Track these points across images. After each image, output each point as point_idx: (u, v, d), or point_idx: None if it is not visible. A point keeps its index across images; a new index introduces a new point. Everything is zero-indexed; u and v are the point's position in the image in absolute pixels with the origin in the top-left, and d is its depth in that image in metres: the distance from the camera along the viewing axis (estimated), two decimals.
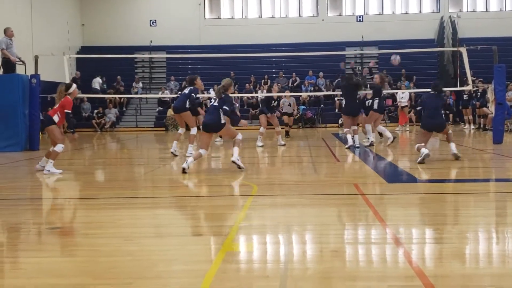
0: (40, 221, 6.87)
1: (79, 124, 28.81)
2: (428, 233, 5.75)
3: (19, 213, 7.20)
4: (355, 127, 15.27)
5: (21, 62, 17.06)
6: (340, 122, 21.67)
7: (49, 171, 10.89)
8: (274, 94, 17.75)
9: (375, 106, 15.61)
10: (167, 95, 28.89)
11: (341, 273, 4.40)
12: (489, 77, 22.10)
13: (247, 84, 30.11)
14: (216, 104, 10.75)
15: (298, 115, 27.73)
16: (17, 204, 7.90)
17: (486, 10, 33.43)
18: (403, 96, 26.97)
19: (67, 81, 18.09)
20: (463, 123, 25.41)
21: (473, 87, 20.04)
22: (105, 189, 9.57)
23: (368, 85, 16.74)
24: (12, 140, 16.09)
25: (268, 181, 9.96)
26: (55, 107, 11.18)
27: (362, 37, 32.05)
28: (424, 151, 11.14)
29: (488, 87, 21.51)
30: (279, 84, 24.32)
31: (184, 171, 10.32)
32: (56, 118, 11.02)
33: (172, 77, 31.33)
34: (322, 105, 29.36)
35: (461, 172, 10.93)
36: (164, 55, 31.86)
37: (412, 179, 9.72)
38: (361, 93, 15.78)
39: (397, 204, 7.51)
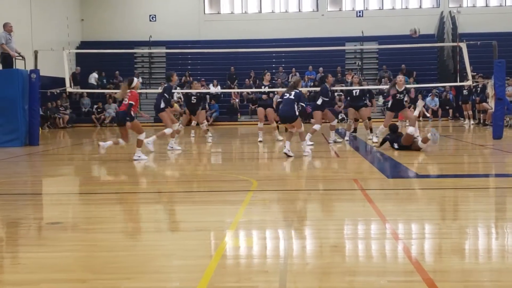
0: (40, 216, 6.88)
1: (78, 120, 28.85)
2: (427, 228, 5.76)
3: (19, 208, 7.21)
4: (334, 123, 15.49)
5: (20, 57, 17.03)
6: (340, 117, 21.64)
7: (139, 157, 12.17)
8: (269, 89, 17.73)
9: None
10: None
11: (341, 268, 4.41)
12: (489, 72, 22.07)
13: (246, 80, 30.07)
14: (292, 97, 11.93)
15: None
16: (17, 199, 7.90)
17: (486, 5, 33.37)
18: None
19: (67, 76, 18.14)
20: (462, 119, 25.40)
21: (473, 83, 20.01)
22: (105, 184, 9.59)
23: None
24: (12, 135, 16.08)
25: (267, 176, 9.96)
26: (125, 102, 12.06)
27: (362, 32, 31.97)
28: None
29: (488, 82, 21.49)
30: (279, 80, 24.35)
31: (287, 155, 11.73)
32: (132, 113, 12.09)
33: (172, 72, 31.26)
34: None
35: (461, 167, 10.94)
36: (163, 50, 31.81)
37: (411, 175, 9.73)
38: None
39: (397, 199, 7.51)
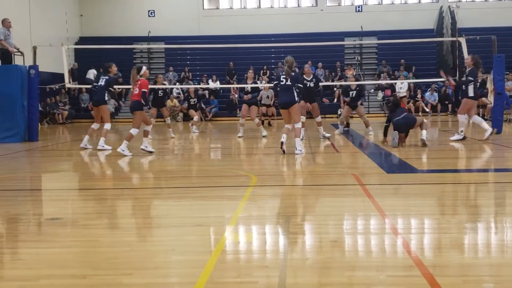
0: (40, 212, 6.88)
1: (78, 115, 28.83)
2: (427, 223, 5.77)
3: (18, 204, 7.21)
4: (318, 119, 15.70)
5: (19, 53, 17.02)
6: (339, 112, 21.65)
7: (146, 146, 12.49)
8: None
9: (470, 93, 13.86)
10: (165, 86, 28.80)
11: (340, 263, 4.41)
12: (488, 67, 22.06)
13: (245, 75, 30.03)
14: (289, 83, 11.88)
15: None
16: (16, 195, 7.90)
17: (485, 0, 33.35)
18: (401, 86, 26.99)
19: (66, 72, 18.13)
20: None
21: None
22: (104, 180, 9.58)
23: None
24: (11, 131, 16.09)
25: (267, 171, 9.97)
26: (135, 92, 12.22)
27: (361, 27, 31.95)
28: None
29: (487, 77, 21.48)
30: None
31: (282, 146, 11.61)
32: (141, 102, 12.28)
33: (171, 67, 31.28)
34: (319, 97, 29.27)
35: (460, 162, 10.94)
36: (162, 45, 31.78)
37: (411, 169, 9.73)
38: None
39: (396, 194, 7.52)
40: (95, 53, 29.09)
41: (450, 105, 27.82)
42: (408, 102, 26.25)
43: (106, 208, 6.90)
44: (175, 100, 27.66)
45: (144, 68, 12.63)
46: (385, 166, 10.32)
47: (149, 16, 33.80)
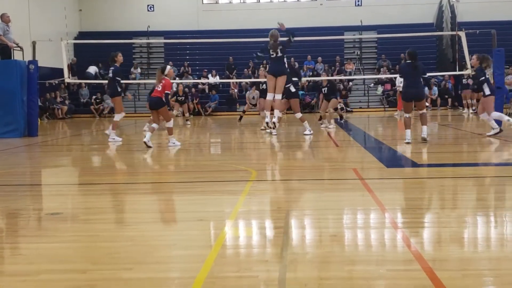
0: (40, 207, 6.89)
1: (77, 110, 28.82)
2: (426, 217, 5.77)
3: (18, 199, 7.22)
4: (298, 116, 15.25)
5: (18, 48, 17.00)
6: (339, 107, 21.63)
7: (174, 143, 12.76)
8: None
9: (487, 92, 13.66)
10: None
11: (340, 257, 4.42)
12: None
13: (245, 69, 30.04)
14: (280, 54, 12.94)
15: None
16: (16, 190, 7.91)
17: None
18: (401, 80, 26.92)
19: (65, 67, 18.12)
20: (461, 107, 25.39)
21: (472, 71, 19.97)
22: (105, 174, 9.59)
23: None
24: (10, 126, 16.09)
25: (267, 166, 9.97)
26: (159, 89, 12.50)
27: (361, 22, 31.90)
28: (407, 138, 11.93)
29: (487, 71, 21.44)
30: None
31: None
32: (163, 99, 12.58)
33: (170, 62, 31.14)
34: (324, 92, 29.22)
35: (460, 156, 10.95)
36: (162, 40, 31.74)
37: (411, 164, 9.73)
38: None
39: (396, 188, 7.52)
40: (94, 48, 29.05)
41: (449, 99, 27.82)
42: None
43: (106, 203, 6.90)
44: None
45: (169, 67, 13.05)
46: (385, 160, 10.32)
47: (148, 10, 33.75)
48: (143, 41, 31.93)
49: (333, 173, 8.89)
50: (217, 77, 29.27)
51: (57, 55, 20.67)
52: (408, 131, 12.04)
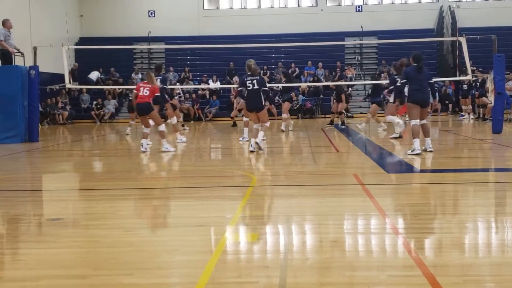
0: (41, 212, 6.88)
1: (78, 116, 28.83)
2: (427, 223, 5.76)
3: (19, 204, 7.21)
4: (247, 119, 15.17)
5: (19, 54, 17.02)
6: (338, 110, 21.69)
7: (167, 148, 12.57)
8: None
9: (391, 99, 15.16)
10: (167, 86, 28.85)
11: (341, 263, 4.41)
12: (488, 66, 22.07)
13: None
14: (256, 87, 12.05)
15: (298, 105, 27.82)
16: (17, 196, 7.90)
17: (486, 0, 33.35)
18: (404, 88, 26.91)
19: (66, 72, 18.15)
20: (462, 113, 25.40)
21: (472, 77, 20.01)
22: (105, 180, 9.58)
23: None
24: (11, 131, 16.10)
25: (267, 171, 9.97)
26: (146, 94, 12.42)
27: (362, 27, 31.95)
28: (417, 148, 10.96)
29: (487, 77, 21.48)
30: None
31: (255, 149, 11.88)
32: (152, 103, 12.58)
33: (171, 68, 31.27)
34: (321, 96, 29.31)
35: (461, 161, 10.94)
36: (163, 45, 31.79)
37: (411, 169, 9.73)
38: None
39: (397, 194, 7.52)
40: (96, 53, 29.10)
41: (450, 105, 27.82)
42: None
43: (106, 208, 6.89)
44: (175, 100, 27.60)
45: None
46: (386, 166, 10.31)
47: (149, 16, 33.77)
48: (144, 46, 31.96)
49: (333, 179, 8.89)
50: (218, 82, 29.28)
51: (58, 61, 20.69)
52: (417, 141, 11.04)
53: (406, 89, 13.06)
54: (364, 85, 29.46)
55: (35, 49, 16.97)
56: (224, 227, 5.66)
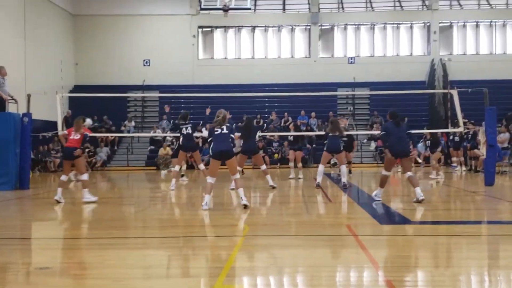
0: (29, 261, 6.78)
1: None
2: (420, 276, 5.71)
3: (7, 252, 7.11)
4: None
5: (13, 101, 17.07)
6: (332, 162, 21.68)
7: (89, 198, 12.28)
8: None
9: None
10: (159, 134, 28.94)
11: None
12: (480, 119, 22.25)
13: (239, 123, 30.13)
14: (226, 131, 11.30)
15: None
16: (6, 244, 7.80)
17: (476, 53, 33.89)
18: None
19: (59, 120, 18.17)
20: (454, 164, 25.46)
21: (464, 129, 20.14)
22: (95, 228, 9.49)
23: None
24: (2, 178, 16.02)
25: (260, 221, 9.89)
26: (76, 138, 12.52)
27: (354, 78, 32.34)
28: (379, 194, 12.06)
29: (479, 129, 21.63)
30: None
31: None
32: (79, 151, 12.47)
33: (165, 116, 31.36)
34: (314, 145, 29.40)
35: (453, 214, 10.91)
36: (157, 94, 32.00)
37: (404, 221, 9.68)
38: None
39: (390, 246, 7.46)
40: (90, 101, 29.22)
41: (442, 156, 27.89)
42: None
43: (95, 257, 6.80)
44: (168, 148, 27.69)
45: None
46: (379, 216, 10.27)
47: (144, 65, 34.10)
48: (138, 95, 32.14)
49: (326, 229, 8.83)
50: None
51: (52, 108, 20.72)
52: (381, 190, 12.12)
53: None
54: (357, 135, 29.57)
55: (29, 96, 17.02)
56: (215, 278, 5.58)
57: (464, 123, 20.57)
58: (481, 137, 20.15)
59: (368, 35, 34.55)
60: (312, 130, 29.72)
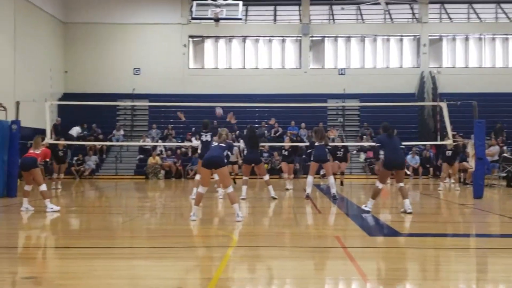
0: (15, 270, 6.70)
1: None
2: None
3: None
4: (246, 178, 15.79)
5: (2, 108, 16.96)
6: (321, 173, 21.68)
7: (52, 208, 12.26)
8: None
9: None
10: (148, 143, 28.85)
11: None
12: (469, 131, 22.35)
13: (231, 133, 30.13)
14: (223, 144, 11.17)
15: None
16: None
17: (466, 66, 34.07)
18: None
19: (48, 127, 18.08)
20: (446, 181, 25.49)
21: (453, 142, 20.20)
22: (81, 238, 9.40)
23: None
24: None
25: (248, 232, 9.85)
26: (37, 152, 12.69)
27: (344, 90, 32.42)
28: (370, 206, 12.06)
29: (468, 142, 21.70)
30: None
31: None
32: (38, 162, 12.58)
33: (154, 125, 31.32)
34: (304, 156, 29.38)
35: (442, 226, 10.91)
36: (146, 103, 31.90)
37: (393, 233, 9.67)
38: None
39: (379, 258, 7.44)
40: (79, 109, 29.07)
41: (431, 169, 27.98)
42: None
43: (82, 267, 6.73)
44: (157, 157, 27.60)
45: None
46: (368, 228, 10.25)
47: (134, 74, 34.01)
48: (128, 103, 32.02)
49: (315, 241, 8.80)
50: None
51: (40, 116, 20.62)
52: (372, 202, 12.12)
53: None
54: (347, 146, 29.59)
55: (17, 103, 16.93)
56: None
57: (453, 136, 20.63)
58: (470, 150, 20.21)
59: (358, 47, 34.67)
60: (302, 141, 29.74)
